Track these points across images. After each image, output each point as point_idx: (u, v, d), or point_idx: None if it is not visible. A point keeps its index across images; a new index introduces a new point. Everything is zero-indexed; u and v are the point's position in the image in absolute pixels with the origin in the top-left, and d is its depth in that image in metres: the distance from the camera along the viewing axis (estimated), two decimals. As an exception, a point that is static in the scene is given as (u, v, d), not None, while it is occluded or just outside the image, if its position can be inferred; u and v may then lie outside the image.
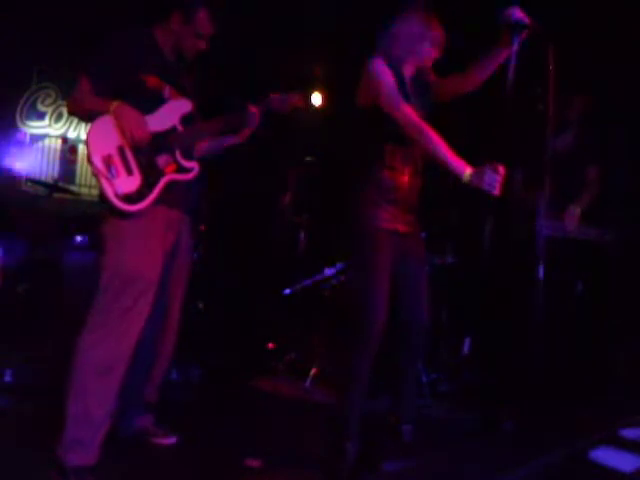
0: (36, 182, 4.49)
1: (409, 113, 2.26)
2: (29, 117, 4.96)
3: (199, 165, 2.39)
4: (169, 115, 2.35)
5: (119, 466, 2.21)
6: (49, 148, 5.06)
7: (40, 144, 5.03)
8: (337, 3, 4.64)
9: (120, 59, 2.27)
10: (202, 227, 4.29)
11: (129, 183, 2.20)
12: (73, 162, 5.09)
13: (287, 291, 4.10)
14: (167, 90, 2.37)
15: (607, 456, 2.07)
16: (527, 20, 2.18)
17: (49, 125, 5.07)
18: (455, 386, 3.47)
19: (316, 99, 5.52)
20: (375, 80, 2.34)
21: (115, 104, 2.21)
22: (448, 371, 3.45)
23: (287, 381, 3.69)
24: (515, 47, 2.18)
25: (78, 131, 5.17)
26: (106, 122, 2.21)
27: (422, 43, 2.38)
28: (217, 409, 3.15)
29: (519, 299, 3.10)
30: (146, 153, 2.26)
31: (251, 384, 3.62)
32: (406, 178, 2.42)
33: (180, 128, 2.36)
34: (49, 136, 5.08)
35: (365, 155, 2.45)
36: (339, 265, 3.85)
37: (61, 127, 5.13)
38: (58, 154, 5.09)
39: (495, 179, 2.05)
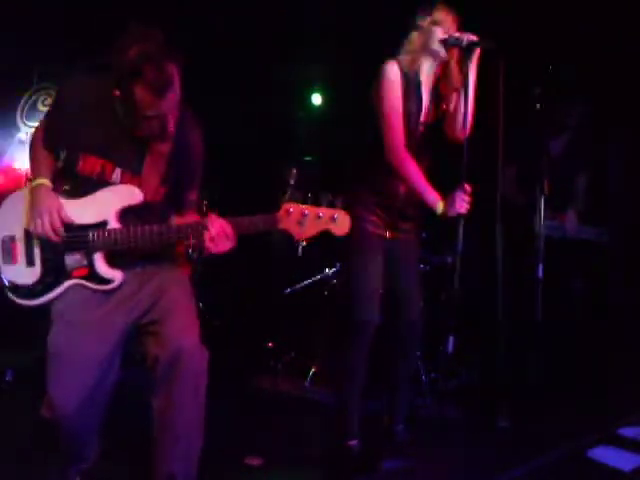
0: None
1: (398, 145, 2.32)
2: (30, 117, 4.95)
3: (124, 276, 1.87)
4: (102, 205, 1.85)
5: (120, 464, 2.21)
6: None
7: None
8: (337, 3, 4.64)
9: (67, 122, 1.86)
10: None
11: (25, 275, 1.87)
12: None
13: (287, 291, 4.10)
14: (117, 174, 1.86)
15: (606, 455, 2.08)
16: (476, 37, 2.27)
17: (49, 125, 5.07)
18: (454, 385, 3.48)
19: (316, 99, 5.53)
20: (381, 93, 2.36)
21: (34, 184, 1.86)
22: (447, 370, 3.46)
23: (287, 380, 3.69)
24: (474, 65, 2.31)
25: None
26: (22, 198, 1.90)
27: (431, 33, 2.35)
28: (217, 408, 3.15)
29: (519, 299, 3.10)
30: (54, 246, 1.86)
31: (251, 383, 3.62)
32: (404, 187, 2.42)
33: (114, 225, 1.85)
34: (49, 136, 5.08)
35: (367, 157, 2.45)
36: (339, 265, 3.85)
37: (61, 127, 5.13)
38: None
39: (464, 199, 2.24)
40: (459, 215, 2.26)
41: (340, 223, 1.78)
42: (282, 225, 1.81)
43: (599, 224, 3.49)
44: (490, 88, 2.35)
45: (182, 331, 1.87)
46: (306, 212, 1.78)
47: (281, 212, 1.81)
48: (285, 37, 4.90)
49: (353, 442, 2.43)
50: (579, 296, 3.53)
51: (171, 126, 1.79)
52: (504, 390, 2.96)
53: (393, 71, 2.34)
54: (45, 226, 1.81)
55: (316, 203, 1.79)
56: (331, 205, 1.81)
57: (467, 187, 2.26)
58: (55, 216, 1.81)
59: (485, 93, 2.41)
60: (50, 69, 5.01)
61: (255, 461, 2.38)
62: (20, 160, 4.88)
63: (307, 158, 4.62)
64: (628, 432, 2.32)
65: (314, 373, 3.63)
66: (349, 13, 4.57)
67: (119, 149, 1.85)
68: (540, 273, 2.96)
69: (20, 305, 1.90)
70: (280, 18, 4.80)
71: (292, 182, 4.22)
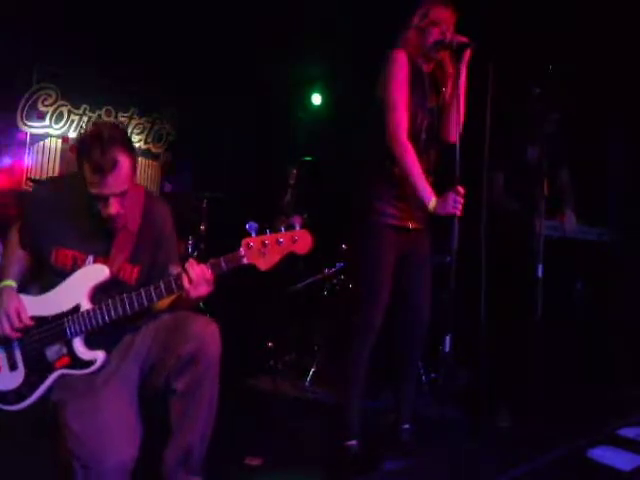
0: (37, 181, 4.49)
1: (400, 132, 2.31)
2: (30, 117, 4.96)
3: (106, 355, 1.88)
4: (73, 290, 1.88)
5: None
6: (50, 148, 5.07)
7: (41, 144, 5.03)
8: (337, 3, 4.64)
9: (36, 228, 1.97)
10: (203, 227, 4.31)
11: (8, 380, 1.87)
12: (74, 162, 5.10)
13: (287, 290, 4.10)
14: (89, 261, 1.93)
15: (606, 455, 2.08)
16: (466, 39, 2.29)
17: (50, 125, 5.07)
18: (454, 385, 3.47)
19: (316, 99, 5.54)
20: (388, 79, 2.36)
21: (1, 286, 1.91)
22: (446, 370, 3.46)
23: (287, 380, 3.69)
24: (464, 66, 2.33)
25: (79, 131, 5.18)
26: None
27: (427, 33, 2.37)
28: (217, 408, 3.15)
29: (517, 299, 3.10)
30: (33, 344, 1.89)
31: (251, 383, 3.62)
32: None
33: (87, 307, 1.86)
34: (50, 136, 5.08)
35: (378, 150, 2.43)
36: (339, 265, 3.85)
37: (62, 127, 5.13)
38: (59, 153, 5.10)
39: (457, 201, 2.23)
40: (453, 215, 2.25)
41: (301, 242, 1.79)
42: (246, 260, 1.80)
43: (599, 224, 3.49)
44: (483, 90, 2.35)
45: (204, 324, 1.90)
46: (266, 241, 1.78)
47: (242, 249, 1.80)
48: (285, 37, 4.90)
49: (353, 442, 2.43)
50: (579, 296, 3.52)
51: (114, 208, 1.83)
52: (504, 390, 2.96)
53: (402, 58, 2.35)
54: (4, 327, 1.86)
55: (274, 230, 1.79)
56: (289, 227, 1.80)
57: (460, 189, 2.25)
58: (13, 317, 1.86)
59: (479, 95, 2.41)
60: (50, 69, 5.01)
61: (255, 461, 2.38)
62: (20, 160, 4.89)
63: (307, 158, 4.62)
64: (628, 432, 2.31)
65: (314, 373, 3.63)
66: (349, 13, 4.57)
67: (90, 238, 1.93)
68: (540, 273, 2.95)
69: (9, 411, 1.87)
70: (280, 18, 4.81)
71: (292, 182, 4.23)
